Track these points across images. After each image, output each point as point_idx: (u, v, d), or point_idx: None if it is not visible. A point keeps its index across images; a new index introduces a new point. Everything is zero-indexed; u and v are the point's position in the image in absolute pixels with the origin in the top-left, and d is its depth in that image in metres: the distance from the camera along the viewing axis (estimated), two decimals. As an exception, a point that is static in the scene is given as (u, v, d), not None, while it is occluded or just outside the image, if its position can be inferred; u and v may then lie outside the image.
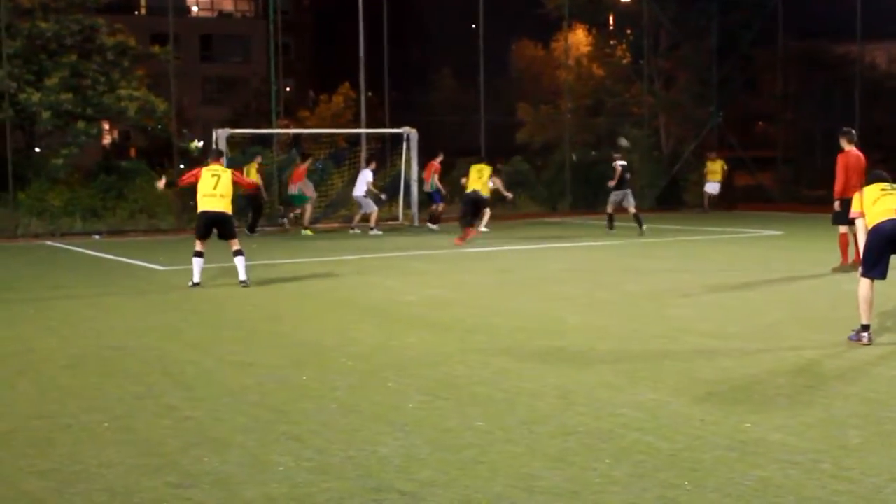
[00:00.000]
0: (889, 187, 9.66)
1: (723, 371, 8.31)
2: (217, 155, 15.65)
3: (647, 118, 35.82)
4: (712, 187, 32.33)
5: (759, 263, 17.39)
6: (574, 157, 34.17)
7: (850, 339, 9.54)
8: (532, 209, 32.05)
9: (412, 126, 28.53)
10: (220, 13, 71.57)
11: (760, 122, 43.32)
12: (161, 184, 16.01)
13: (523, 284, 14.67)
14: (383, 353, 9.37)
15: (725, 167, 32.82)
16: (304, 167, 26.07)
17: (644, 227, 23.55)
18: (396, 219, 28.64)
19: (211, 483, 5.61)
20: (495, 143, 33.89)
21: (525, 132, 42.93)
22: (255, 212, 25.03)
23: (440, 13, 62.64)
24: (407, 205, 28.47)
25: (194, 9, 70.06)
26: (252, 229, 24.79)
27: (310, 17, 71.96)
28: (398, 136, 29.01)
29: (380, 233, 25.08)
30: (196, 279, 14.49)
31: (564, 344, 9.67)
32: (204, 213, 14.61)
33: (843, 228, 15.05)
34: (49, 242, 24.06)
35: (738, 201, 33.75)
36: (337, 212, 28.57)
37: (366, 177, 25.57)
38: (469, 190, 22.16)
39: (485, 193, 22.20)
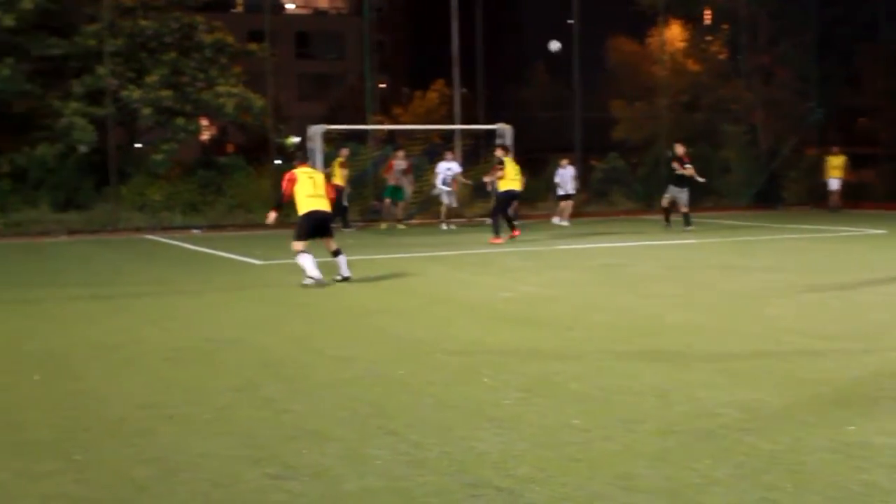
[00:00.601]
0: None
1: (825, 372, 8.16)
2: (304, 157, 15.39)
3: (745, 114, 35.32)
4: (836, 183, 31.62)
5: (862, 263, 17.04)
6: (670, 154, 33.80)
7: (957, 340, 9.31)
8: (627, 206, 31.88)
9: (506, 122, 28.50)
10: (316, 10, 72.29)
11: (862, 118, 42.42)
12: (272, 217, 14.95)
13: (619, 282, 14.58)
14: (479, 348, 9.38)
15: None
16: (392, 161, 26.40)
17: (672, 224, 23.94)
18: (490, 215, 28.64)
19: (310, 475, 5.67)
20: (590, 139, 33.75)
21: (621, 130, 42.65)
22: (341, 208, 25.37)
23: (534, 9, 62.47)
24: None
25: (290, 6, 70.85)
26: (347, 224, 25.16)
27: (404, 13, 72.31)
28: (492, 133, 29.01)
29: (452, 227, 25.34)
30: (317, 274, 13.83)
31: (662, 342, 9.58)
32: (313, 213, 14.13)
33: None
34: (150, 236, 24.57)
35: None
36: (431, 207, 28.68)
37: (437, 169, 26.14)
38: (507, 189, 21.40)
39: (518, 189, 21.68)
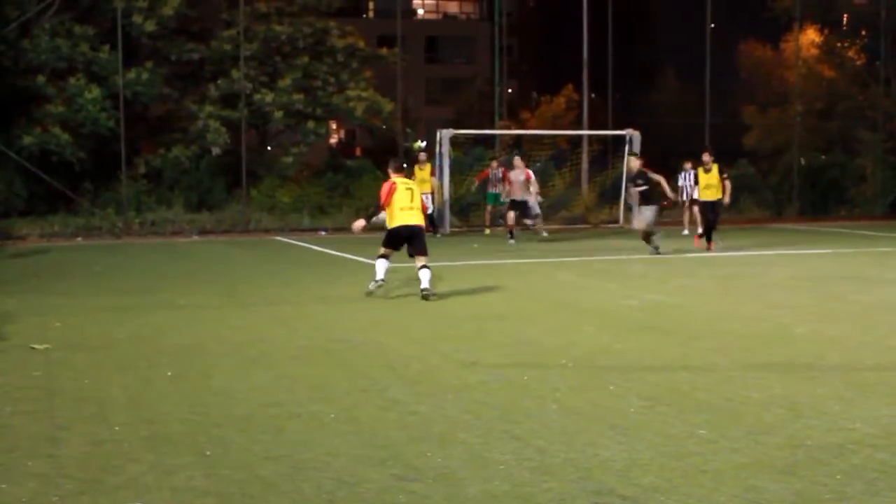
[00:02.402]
0: None
1: (964, 388, 7.90)
2: (399, 168, 14.40)
3: (883, 121, 34.37)
4: None
5: None
6: (802, 162, 33.13)
7: None
8: (756, 214, 31.29)
9: (635, 128, 28.26)
10: (446, 15, 72.71)
11: None
12: (358, 225, 14.49)
13: (747, 291, 14.33)
14: (604, 355, 9.33)
15: None
16: (486, 170, 26.02)
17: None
18: (617, 221, 28.45)
19: (434, 477, 5.71)
20: (720, 145, 33.21)
21: (753, 136, 41.92)
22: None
23: (665, 14, 61.80)
24: (628, 208, 28.23)
25: (420, 11, 71.40)
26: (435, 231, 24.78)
27: (534, 18, 72.22)
28: (620, 138, 28.81)
29: (546, 234, 24.49)
30: (381, 276, 13.74)
31: (792, 353, 9.39)
32: (404, 226, 13.77)
33: None
34: (278, 237, 24.99)
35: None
36: (557, 213, 28.55)
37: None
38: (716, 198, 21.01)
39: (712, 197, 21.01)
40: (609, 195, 29.34)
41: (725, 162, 29.51)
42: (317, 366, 8.90)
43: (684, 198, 25.80)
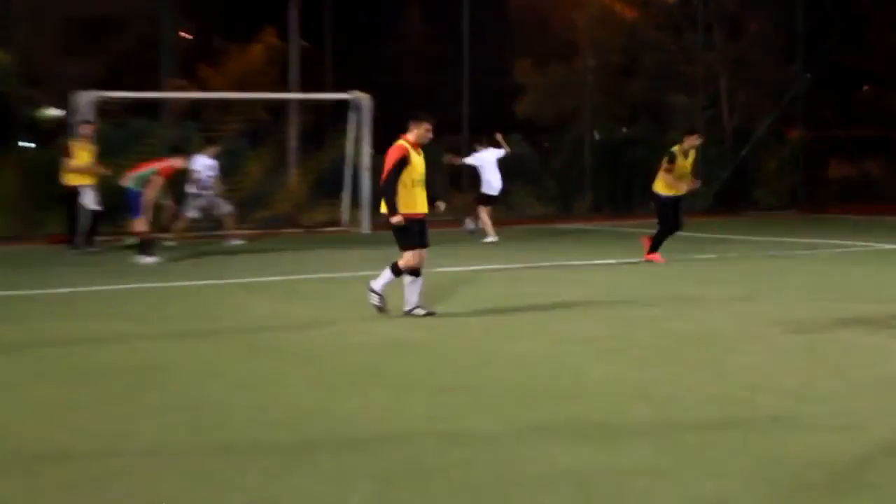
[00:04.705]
0: None
1: (816, 450, 8.13)
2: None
3: (703, 81, 35.73)
4: None
5: (866, 290, 17.32)
6: (596, 136, 34.08)
7: None
8: (536, 211, 32.04)
9: (363, 90, 28.39)
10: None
11: (866, 87, 43.21)
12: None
13: (522, 321, 14.52)
14: (317, 419, 9.15)
15: None
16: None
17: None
18: (338, 223, 28.49)
19: None
20: (484, 113, 33.78)
21: (529, 103, 42.86)
22: (73, 217, 23.83)
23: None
24: (354, 203, 28.32)
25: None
26: (75, 243, 23.55)
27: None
28: (343, 104, 28.88)
29: (239, 242, 24.33)
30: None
31: (583, 408, 9.49)
32: None
33: None
34: None
35: (832, 199, 33.64)
36: (253, 213, 28.30)
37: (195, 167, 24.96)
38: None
39: (663, 192, 21.54)
40: (327, 186, 29.29)
41: (490, 136, 30.01)
42: None
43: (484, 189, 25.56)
